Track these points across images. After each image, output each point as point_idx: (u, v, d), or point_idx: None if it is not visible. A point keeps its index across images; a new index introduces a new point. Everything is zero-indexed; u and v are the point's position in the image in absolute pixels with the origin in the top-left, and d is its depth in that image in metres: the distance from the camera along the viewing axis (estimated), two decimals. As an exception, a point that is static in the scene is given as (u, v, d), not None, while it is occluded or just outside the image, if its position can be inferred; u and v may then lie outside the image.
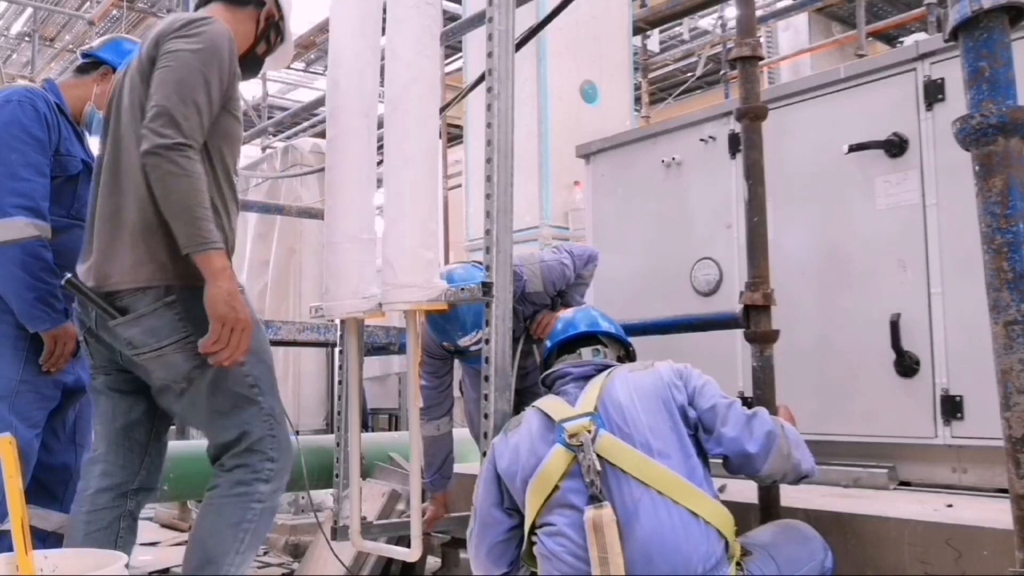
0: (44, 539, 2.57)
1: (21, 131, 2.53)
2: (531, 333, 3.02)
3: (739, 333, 2.48)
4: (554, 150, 5.40)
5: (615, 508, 1.94)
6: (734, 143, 3.20)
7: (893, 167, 2.80)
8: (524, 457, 2.11)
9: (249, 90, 10.13)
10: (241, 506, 2.15)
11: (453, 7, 7.63)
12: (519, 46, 2.68)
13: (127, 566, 1.83)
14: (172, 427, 2.49)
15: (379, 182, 2.56)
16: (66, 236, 2.61)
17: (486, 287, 2.33)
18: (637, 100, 8.28)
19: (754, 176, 2.39)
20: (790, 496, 2.39)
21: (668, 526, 1.92)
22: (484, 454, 2.35)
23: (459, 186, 6.82)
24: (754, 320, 2.37)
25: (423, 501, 2.96)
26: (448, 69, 8.23)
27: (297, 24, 10.01)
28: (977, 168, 1.41)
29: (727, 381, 3.17)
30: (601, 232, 3.75)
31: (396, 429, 7.35)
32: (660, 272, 3.43)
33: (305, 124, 11.59)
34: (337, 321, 3.09)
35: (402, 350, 3.95)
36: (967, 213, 1.61)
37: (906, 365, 2.71)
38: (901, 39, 8.54)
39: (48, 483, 2.67)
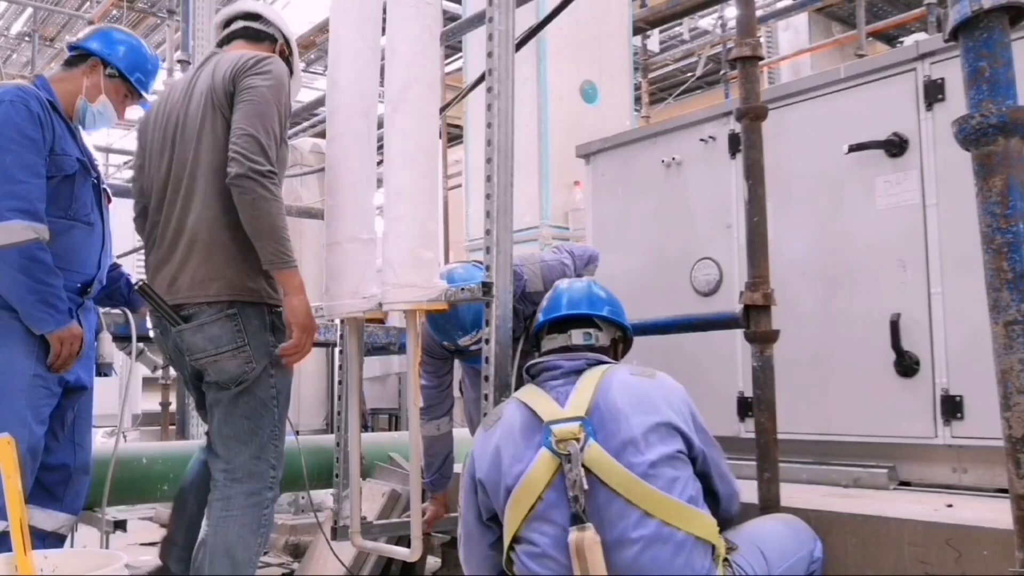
0: (43, 539, 2.56)
1: (15, 132, 2.49)
2: (531, 333, 3.02)
3: (739, 333, 2.48)
4: (554, 150, 5.40)
5: (600, 527, 1.86)
6: (734, 143, 3.20)
7: (893, 167, 2.79)
8: (506, 463, 1.99)
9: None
10: (256, 513, 2.43)
11: (453, 7, 7.63)
12: (519, 46, 2.68)
13: (127, 566, 1.83)
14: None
15: (379, 182, 2.56)
16: (66, 237, 2.60)
17: (486, 287, 2.33)
18: (637, 100, 8.28)
19: (754, 176, 2.39)
20: (790, 496, 2.39)
21: (658, 549, 1.84)
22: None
23: (459, 186, 6.82)
24: (754, 320, 2.37)
25: (423, 501, 2.96)
26: (448, 69, 8.24)
27: (297, 24, 10.02)
28: (977, 168, 1.41)
29: (727, 381, 3.19)
30: (601, 232, 3.75)
31: (396, 429, 7.34)
32: (660, 272, 3.43)
33: (305, 124, 11.59)
34: (337, 321, 3.09)
35: (402, 350, 3.95)
36: (967, 213, 1.61)
37: (906, 365, 2.71)
38: (901, 39, 8.54)
39: (48, 483, 2.66)
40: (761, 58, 2.54)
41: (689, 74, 10.24)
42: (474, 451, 2.11)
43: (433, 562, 3.76)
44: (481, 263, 2.51)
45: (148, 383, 8.84)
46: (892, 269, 2.78)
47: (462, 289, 2.34)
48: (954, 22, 1.43)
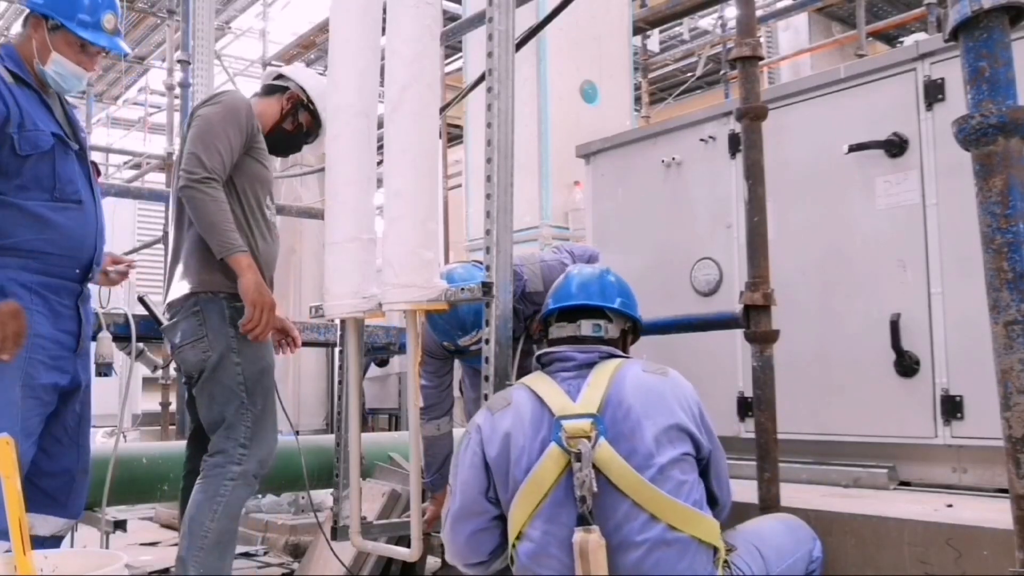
0: (42, 543, 2.50)
1: None
2: (531, 333, 3.02)
3: (739, 333, 2.48)
4: (554, 150, 5.40)
5: (605, 528, 1.85)
6: (734, 143, 3.20)
7: (893, 167, 2.80)
8: (515, 453, 1.97)
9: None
10: (215, 482, 2.59)
11: (453, 7, 7.63)
12: (519, 46, 2.68)
13: (127, 566, 1.83)
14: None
15: (379, 182, 2.56)
16: (57, 220, 2.44)
17: (486, 287, 2.33)
18: (637, 100, 8.28)
19: (754, 176, 2.39)
20: (790, 496, 2.39)
21: (662, 552, 1.83)
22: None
23: (459, 186, 6.81)
24: (754, 320, 2.37)
25: (423, 501, 2.96)
26: (448, 69, 8.23)
27: (297, 24, 10.02)
28: (977, 168, 1.41)
29: (727, 381, 3.19)
30: (601, 232, 3.75)
31: (396, 429, 7.34)
32: (660, 272, 3.43)
33: (305, 124, 11.56)
34: (337, 321, 3.09)
35: (402, 350, 3.95)
36: (967, 213, 1.61)
37: (906, 365, 2.71)
38: (901, 39, 8.53)
39: (51, 489, 2.55)
40: (761, 58, 2.54)
41: (689, 74, 10.23)
42: (482, 430, 2.06)
43: (433, 562, 3.76)
44: (481, 263, 2.51)
45: (148, 383, 8.84)
46: (892, 269, 2.78)
47: (462, 289, 2.34)
48: (954, 22, 1.43)
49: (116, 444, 3.14)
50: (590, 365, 2.07)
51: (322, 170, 2.99)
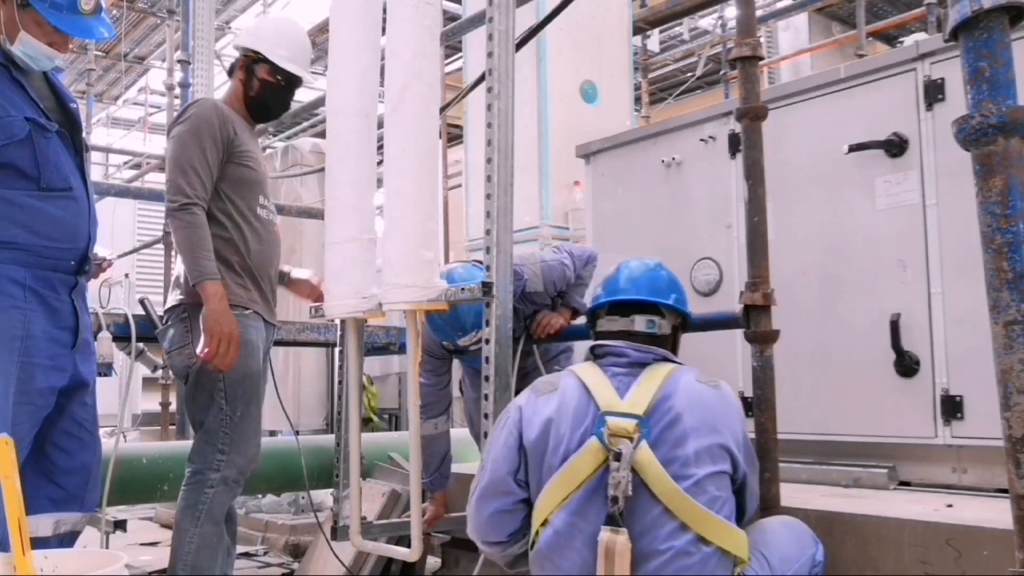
0: (60, 541, 2.42)
1: None
2: (531, 333, 3.02)
3: (739, 333, 2.48)
4: (554, 150, 5.40)
5: (632, 531, 1.83)
6: (734, 143, 3.20)
7: (893, 167, 2.79)
8: (554, 440, 1.95)
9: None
10: (196, 490, 2.67)
11: (453, 7, 7.63)
12: (519, 46, 2.69)
13: (127, 566, 1.83)
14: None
15: (379, 182, 2.56)
16: (46, 211, 2.29)
17: (486, 287, 2.33)
18: (637, 100, 8.28)
19: (754, 176, 2.39)
20: (790, 496, 2.39)
21: (684, 560, 1.82)
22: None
23: (459, 186, 6.81)
24: (754, 320, 2.37)
25: (423, 501, 2.96)
26: (448, 69, 8.23)
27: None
28: (977, 168, 1.40)
29: (727, 381, 3.17)
30: (601, 232, 3.75)
31: (396, 429, 7.34)
32: (660, 272, 3.43)
33: (305, 124, 11.60)
34: (337, 321, 3.09)
35: (402, 350, 3.95)
36: (967, 213, 1.61)
37: (906, 365, 2.71)
38: (901, 39, 8.55)
39: (71, 486, 2.45)
40: (761, 58, 2.54)
41: (689, 74, 10.23)
42: (523, 411, 2.05)
43: (433, 562, 3.76)
44: (481, 263, 2.51)
45: (148, 383, 8.84)
46: (892, 269, 2.78)
47: (462, 289, 2.34)
48: (954, 22, 1.43)
49: (116, 444, 3.14)
50: (643, 365, 2.05)
51: (322, 170, 2.99)
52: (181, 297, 2.73)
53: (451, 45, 7.17)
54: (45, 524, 2.41)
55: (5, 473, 1.60)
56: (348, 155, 2.55)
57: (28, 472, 2.25)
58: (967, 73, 1.42)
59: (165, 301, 2.90)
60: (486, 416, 2.36)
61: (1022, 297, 1.35)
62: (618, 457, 1.86)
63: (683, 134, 3.45)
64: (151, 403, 8.23)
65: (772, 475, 2.30)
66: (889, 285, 2.78)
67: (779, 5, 9.20)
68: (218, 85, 6.07)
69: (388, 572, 3.56)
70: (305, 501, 4.39)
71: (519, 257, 2.72)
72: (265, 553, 4.52)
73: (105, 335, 3.00)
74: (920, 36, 5.12)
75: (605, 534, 1.83)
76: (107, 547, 3.37)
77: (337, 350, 3.30)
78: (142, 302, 3.21)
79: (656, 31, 9.23)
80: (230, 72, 3.00)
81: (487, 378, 2.36)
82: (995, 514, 2.09)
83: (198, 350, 2.59)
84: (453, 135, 8.47)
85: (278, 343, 3.83)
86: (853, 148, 2.84)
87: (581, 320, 3.08)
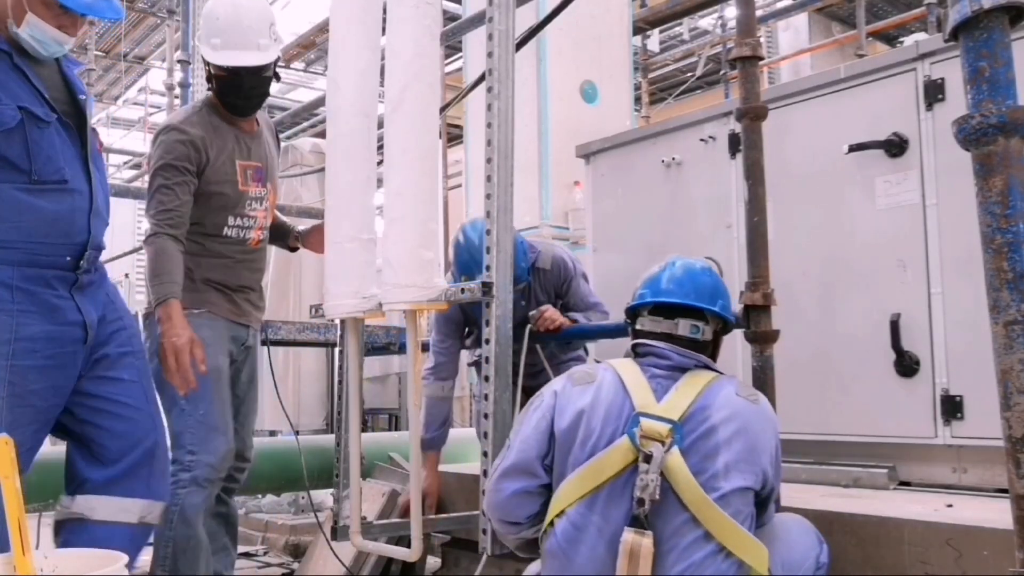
0: (130, 534, 2.25)
1: None
2: (536, 328, 3.00)
3: (739, 333, 2.48)
4: (554, 150, 5.40)
5: (658, 535, 1.82)
6: (734, 143, 3.20)
7: (893, 167, 2.79)
8: (584, 433, 1.93)
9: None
10: (171, 492, 2.63)
11: (453, 7, 7.62)
12: (519, 46, 2.68)
13: (127, 566, 1.83)
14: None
15: (379, 182, 2.56)
16: (37, 204, 2.15)
17: (486, 287, 2.33)
18: (637, 100, 8.29)
19: (754, 176, 2.39)
20: (790, 496, 2.39)
21: (701, 570, 1.81)
22: (484, 453, 2.35)
23: (459, 186, 6.82)
24: (754, 320, 2.37)
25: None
26: (448, 69, 8.23)
27: (297, 24, 10.01)
28: (977, 168, 1.41)
29: (727, 381, 3.19)
30: (601, 232, 3.75)
31: (396, 429, 7.34)
32: (660, 272, 3.43)
33: (305, 124, 11.59)
34: (337, 321, 3.09)
35: (402, 350, 3.95)
36: (967, 213, 1.61)
37: (906, 365, 2.71)
38: (901, 39, 8.55)
39: (122, 465, 2.26)
40: (761, 58, 2.55)
41: (689, 74, 10.23)
42: (557, 397, 2.04)
43: (433, 562, 3.75)
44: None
45: (148, 383, 8.82)
46: (892, 269, 2.78)
47: (462, 289, 2.34)
48: (954, 22, 1.43)
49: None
50: (684, 369, 2.03)
51: (322, 170, 2.99)
52: (148, 306, 2.82)
53: (451, 45, 7.17)
54: (132, 509, 2.27)
55: (5, 473, 1.60)
56: (348, 155, 2.55)
57: (76, 459, 2.30)
58: (967, 73, 1.42)
59: None
60: (486, 416, 2.36)
61: (1022, 297, 1.35)
62: (648, 459, 1.84)
63: (683, 134, 3.45)
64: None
65: (772, 475, 2.31)
66: (889, 285, 2.78)
67: (779, 5, 9.21)
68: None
69: (388, 572, 3.56)
70: (305, 501, 4.39)
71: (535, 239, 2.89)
72: (265, 553, 4.52)
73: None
74: (920, 36, 5.13)
75: (629, 535, 1.82)
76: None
77: (337, 350, 3.29)
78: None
79: (656, 31, 9.24)
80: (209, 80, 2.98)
81: (487, 378, 2.36)
82: (995, 514, 2.09)
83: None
84: (453, 135, 8.47)
85: (278, 343, 3.83)
86: (853, 148, 2.84)
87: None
